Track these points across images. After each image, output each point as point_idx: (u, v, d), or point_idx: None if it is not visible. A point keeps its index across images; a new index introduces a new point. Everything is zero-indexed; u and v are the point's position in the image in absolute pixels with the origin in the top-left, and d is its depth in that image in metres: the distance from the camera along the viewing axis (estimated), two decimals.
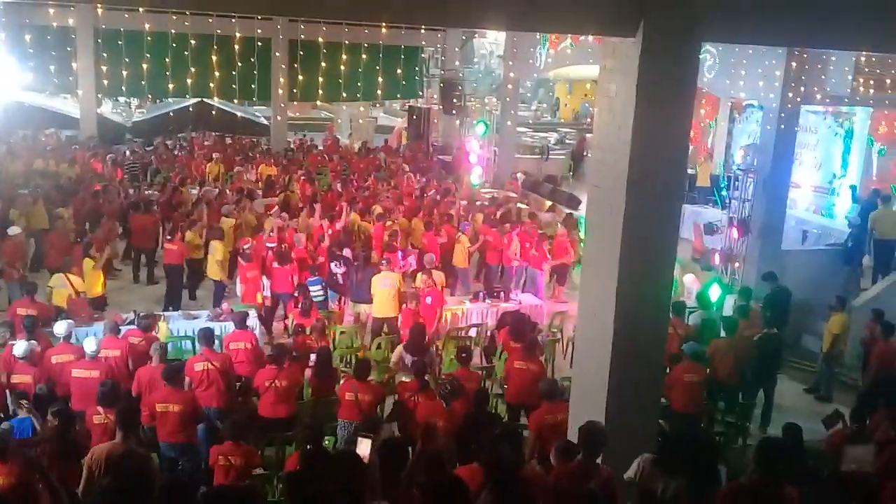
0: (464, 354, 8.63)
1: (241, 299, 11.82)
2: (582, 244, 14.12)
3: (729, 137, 19.59)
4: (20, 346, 8.02)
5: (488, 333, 11.27)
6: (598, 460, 5.53)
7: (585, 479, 5.26)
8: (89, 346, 8.12)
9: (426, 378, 8.12)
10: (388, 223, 14.39)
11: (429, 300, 11.06)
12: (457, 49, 26.08)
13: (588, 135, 23.33)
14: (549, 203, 18.94)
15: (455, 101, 22.72)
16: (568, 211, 17.54)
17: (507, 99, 22.47)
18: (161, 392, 7.39)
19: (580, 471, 5.39)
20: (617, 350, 6.30)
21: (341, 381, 8.53)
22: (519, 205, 18.17)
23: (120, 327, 9.17)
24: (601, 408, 6.30)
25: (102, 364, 8.05)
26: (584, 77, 23.68)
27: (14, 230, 12.66)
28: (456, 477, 4.91)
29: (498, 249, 14.07)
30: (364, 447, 6.23)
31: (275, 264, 12.04)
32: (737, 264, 12.98)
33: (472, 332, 11.47)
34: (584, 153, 23.42)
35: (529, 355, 8.77)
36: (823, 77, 13.17)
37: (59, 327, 8.60)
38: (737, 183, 13.33)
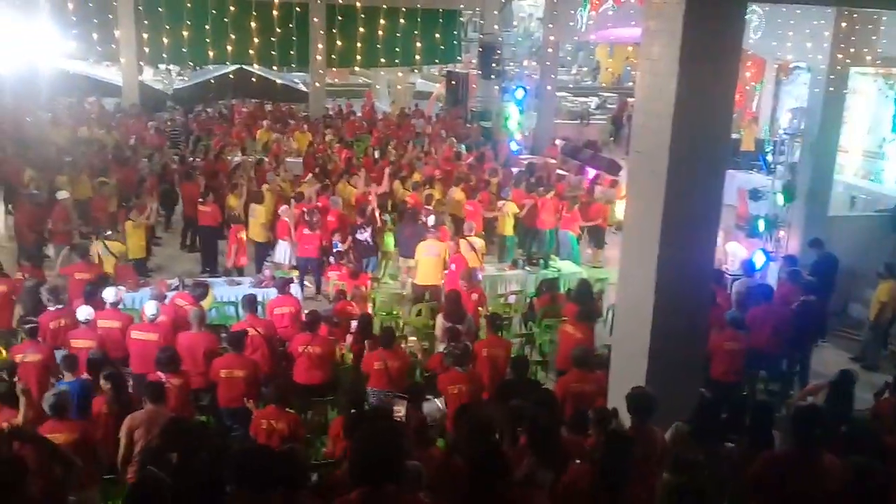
0: (496, 321, 8.61)
1: (228, 259, 12.36)
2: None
3: (775, 100, 19.11)
4: (83, 311, 8.19)
5: (527, 300, 11.26)
6: None
7: (644, 445, 5.23)
8: (150, 309, 8.29)
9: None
10: (427, 190, 14.39)
11: (453, 267, 11.06)
12: (495, 12, 25.73)
13: (630, 99, 22.99)
14: None
15: (494, 65, 22.47)
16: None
17: (547, 63, 22.17)
18: (225, 358, 7.53)
19: (636, 436, 5.36)
20: (658, 318, 6.25)
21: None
22: (558, 171, 18.03)
23: (165, 294, 9.36)
24: (641, 376, 6.27)
25: (161, 327, 8.22)
26: (626, 39, 23.25)
27: (62, 194, 12.90)
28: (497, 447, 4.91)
29: (534, 214, 14.08)
30: (399, 408, 6.33)
31: (305, 230, 12.15)
32: (782, 231, 12.74)
33: (512, 300, 11.46)
34: (626, 117, 23.10)
35: (580, 321, 8.72)
36: (874, 38, 12.71)
37: (108, 293, 8.74)
38: (783, 147, 13.02)
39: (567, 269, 12.41)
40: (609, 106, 27.65)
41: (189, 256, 14.22)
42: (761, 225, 12.93)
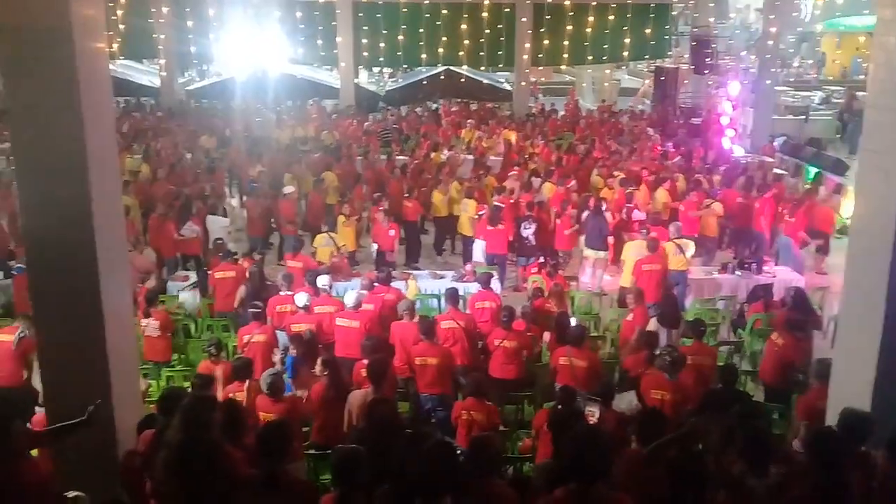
0: (702, 328, 8.24)
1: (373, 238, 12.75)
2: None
3: None
4: (301, 297, 8.88)
5: (738, 307, 10.68)
6: None
7: (853, 470, 4.80)
8: (349, 299, 8.79)
9: (654, 351, 7.87)
10: (630, 189, 14.05)
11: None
12: (711, 4, 24.63)
13: (859, 93, 21.18)
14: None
15: (708, 59, 21.50)
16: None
17: (766, 55, 20.91)
18: (420, 346, 7.84)
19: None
20: (889, 331, 5.69)
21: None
22: (776, 170, 16.93)
23: (374, 284, 9.85)
24: (866, 395, 5.73)
25: (363, 315, 8.67)
26: (857, 28, 21.34)
27: (289, 189, 13.99)
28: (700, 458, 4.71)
29: (748, 216, 13.31)
30: (593, 409, 6.25)
31: (489, 227, 12.28)
32: None
33: (721, 305, 10.92)
34: (855, 113, 21.28)
35: (789, 329, 8.19)
36: None
37: (321, 280, 9.40)
38: None
39: (783, 276, 11.63)
40: (835, 101, 25.58)
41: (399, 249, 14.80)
42: None
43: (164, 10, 24.87)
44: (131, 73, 28.81)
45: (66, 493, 4.79)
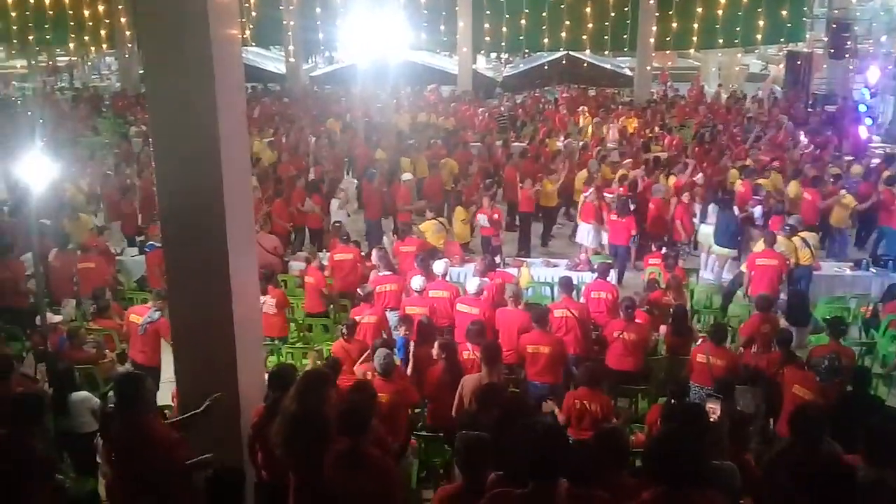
0: (841, 327, 7.80)
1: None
2: None
3: None
4: (417, 280, 8.96)
5: (870, 306, 10.07)
6: None
7: None
8: (472, 285, 8.84)
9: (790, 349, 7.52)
10: (758, 179, 13.45)
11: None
12: None
13: None
14: None
15: (846, 43, 20.26)
16: None
17: None
18: (532, 334, 7.78)
19: None
20: None
21: (697, 343, 8.23)
22: None
23: (487, 271, 9.83)
24: None
25: (483, 303, 8.67)
26: None
27: (407, 177, 14.19)
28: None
29: (888, 211, 12.51)
30: (714, 406, 6.04)
31: (613, 216, 12.03)
32: None
33: (852, 303, 10.32)
34: None
35: None
36: None
37: (438, 266, 9.47)
38: None
39: None
40: None
41: (510, 236, 14.75)
42: None
43: None
44: (258, 59, 29.90)
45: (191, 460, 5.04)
